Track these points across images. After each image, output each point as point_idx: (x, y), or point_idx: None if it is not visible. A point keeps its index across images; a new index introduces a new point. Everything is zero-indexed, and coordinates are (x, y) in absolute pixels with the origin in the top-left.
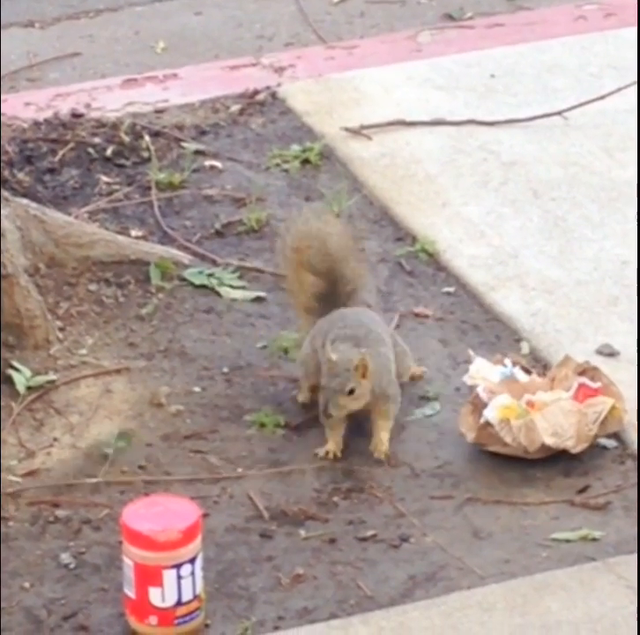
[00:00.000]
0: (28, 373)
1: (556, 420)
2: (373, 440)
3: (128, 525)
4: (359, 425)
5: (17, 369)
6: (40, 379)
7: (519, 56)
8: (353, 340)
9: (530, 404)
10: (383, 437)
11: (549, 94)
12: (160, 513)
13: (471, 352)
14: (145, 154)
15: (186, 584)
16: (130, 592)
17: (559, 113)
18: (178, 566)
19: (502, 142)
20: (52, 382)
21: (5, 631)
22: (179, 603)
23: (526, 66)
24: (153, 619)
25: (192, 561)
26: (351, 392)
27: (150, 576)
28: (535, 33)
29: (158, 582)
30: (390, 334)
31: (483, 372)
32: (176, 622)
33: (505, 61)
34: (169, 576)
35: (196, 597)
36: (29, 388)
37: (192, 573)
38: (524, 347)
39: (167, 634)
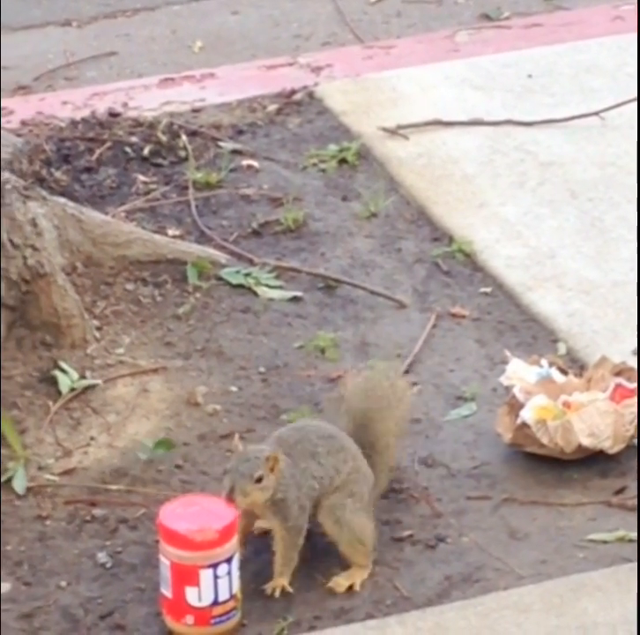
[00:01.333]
0: (75, 376)
1: (593, 421)
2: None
3: (165, 524)
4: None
5: (63, 371)
6: (85, 382)
7: (557, 56)
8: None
9: (566, 405)
10: (278, 569)
11: (586, 94)
12: (196, 513)
13: (507, 352)
14: (183, 154)
15: (223, 583)
16: (167, 591)
17: (596, 113)
18: (215, 566)
19: (540, 142)
20: (95, 386)
21: (42, 630)
22: (215, 603)
23: (564, 66)
24: (190, 619)
25: (229, 561)
26: (259, 479)
27: (186, 575)
28: (572, 33)
29: (194, 582)
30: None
31: (520, 373)
32: (213, 621)
33: (542, 61)
34: (206, 575)
35: (232, 597)
36: (71, 390)
37: (229, 573)
38: (561, 348)
39: (203, 634)
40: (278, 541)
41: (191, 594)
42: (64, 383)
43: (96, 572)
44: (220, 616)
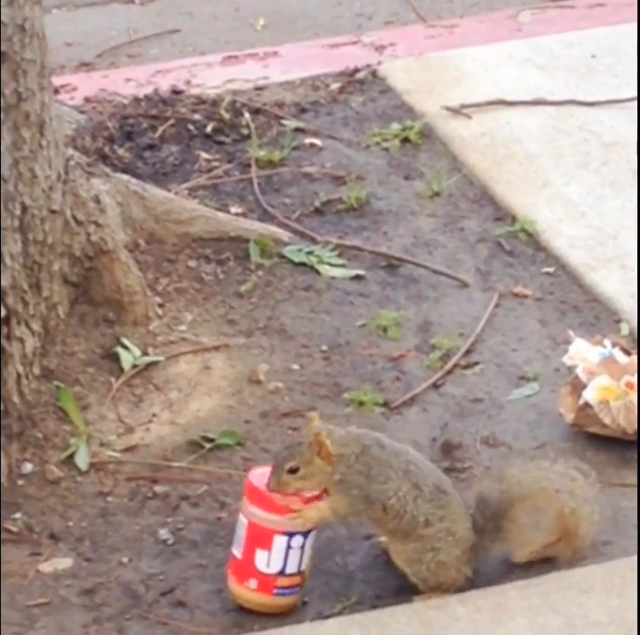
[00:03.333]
0: (137, 352)
1: None
2: None
3: (252, 482)
4: (457, 403)
5: (126, 347)
6: (147, 359)
7: (620, 36)
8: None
9: (629, 385)
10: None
11: None
12: None
13: (570, 333)
14: (245, 131)
15: (294, 555)
16: (238, 551)
17: None
18: (290, 535)
19: (603, 122)
20: (157, 363)
21: (103, 606)
22: (282, 573)
23: (627, 46)
24: (253, 583)
25: (305, 535)
26: (293, 470)
27: (261, 538)
28: (636, 12)
29: (267, 545)
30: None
31: (583, 353)
32: (275, 591)
33: (606, 41)
34: (279, 542)
35: (300, 572)
36: (134, 366)
37: (302, 547)
38: (624, 328)
39: (262, 602)
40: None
41: (261, 558)
42: (126, 359)
43: (158, 549)
44: (284, 588)
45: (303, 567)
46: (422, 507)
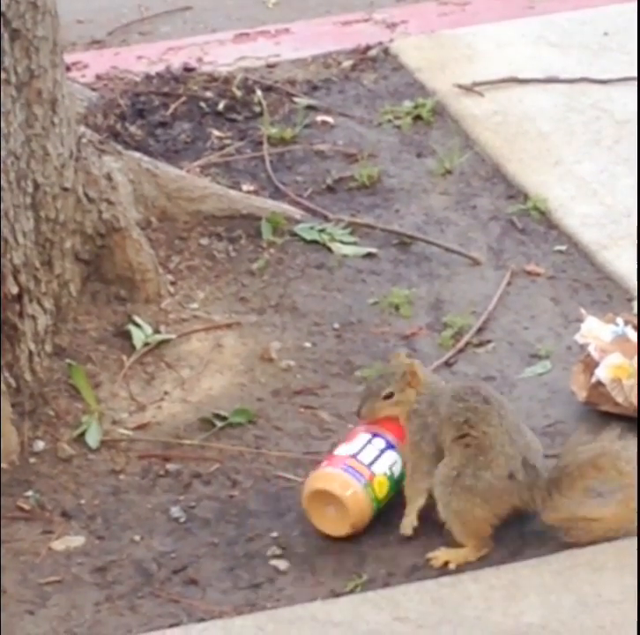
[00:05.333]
0: (149, 330)
1: None
2: None
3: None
4: (468, 379)
5: (137, 325)
6: (159, 337)
7: (633, 13)
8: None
9: None
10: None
11: None
12: None
13: (583, 311)
14: (257, 109)
15: (371, 450)
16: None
17: None
18: (375, 434)
19: (615, 100)
20: (169, 340)
21: (115, 584)
22: (354, 456)
23: None
24: (325, 463)
25: (390, 446)
26: (388, 396)
27: (346, 436)
28: None
29: (350, 438)
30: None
31: (595, 331)
32: (343, 466)
33: (619, 18)
34: (363, 437)
35: (370, 470)
36: (145, 344)
37: (382, 451)
38: (636, 307)
39: (332, 475)
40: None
41: (340, 448)
42: (138, 337)
43: (169, 527)
44: (353, 468)
45: (376, 470)
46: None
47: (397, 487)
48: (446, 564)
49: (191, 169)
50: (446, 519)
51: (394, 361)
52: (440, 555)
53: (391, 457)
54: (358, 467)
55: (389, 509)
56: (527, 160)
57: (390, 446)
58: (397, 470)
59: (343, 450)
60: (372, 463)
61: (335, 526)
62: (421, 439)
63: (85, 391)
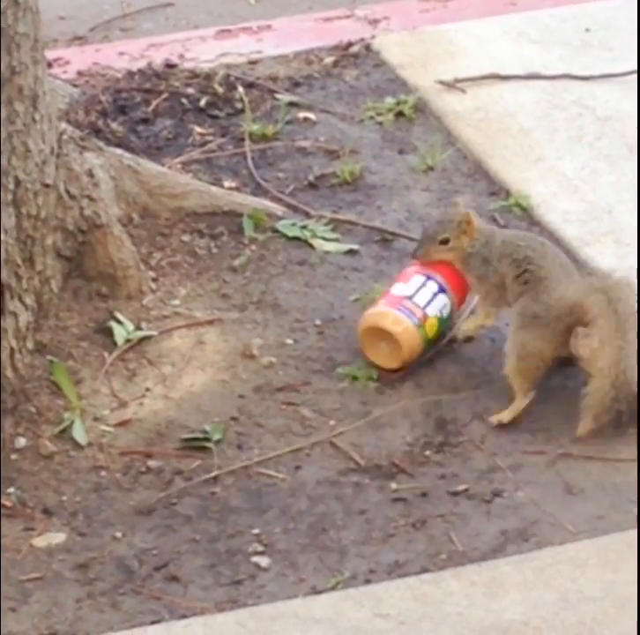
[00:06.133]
0: (130, 327)
1: None
2: None
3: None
4: (451, 378)
5: (119, 322)
6: (140, 334)
7: (615, 9)
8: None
9: None
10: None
11: None
12: None
13: None
14: (239, 105)
15: (425, 293)
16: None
17: None
18: (428, 277)
19: (597, 97)
20: (150, 337)
21: (97, 581)
22: (410, 298)
23: (622, 20)
24: (382, 302)
25: (442, 289)
26: (444, 241)
27: (402, 275)
28: None
29: (406, 279)
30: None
31: None
32: (400, 307)
33: (601, 15)
34: (417, 279)
35: (424, 311)
36: (127, 341)
37: (435, 294)
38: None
39: (387, 311)
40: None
41: (396, 288)
42: (120, 334)
43: (151, 524)
44: (408, 310)
45: (429, 312)
46: (537, 257)
47: (444, 327)
48: (500, 422)
49: (173, 166)
50: (509, 359)
51: (452, 209)
52: (493, 418)
53: (442, 300)
54: (412, 308)
55: (369, 507)
56: (509, 156)
57: (441, 290)
58: (446, 312)
59: (399, 289)
60: (426, 305)
61: (387, 359)
62: (485, 272)
63: (67, 387)
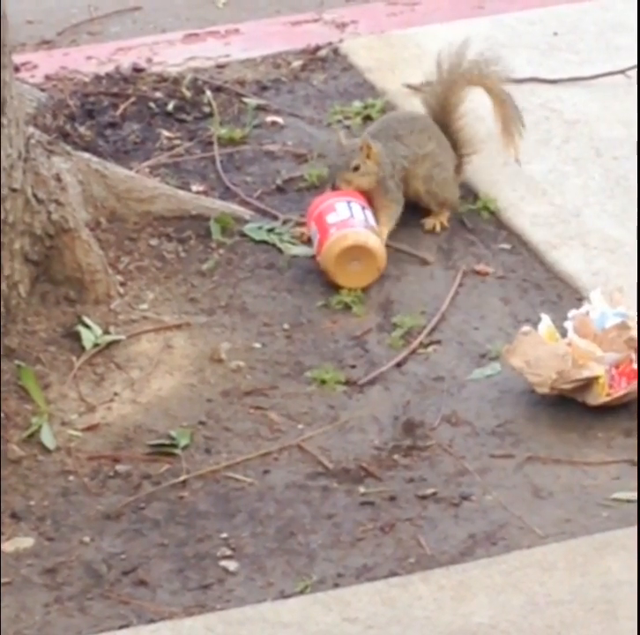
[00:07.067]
0: (98, 331)
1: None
2: None
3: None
4: (419, 382)
5: (87, 326)
6: (108, 338)
7: (582, 13)
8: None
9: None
10: (381, 232)
11: (612, 52)
12: None
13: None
14: (207, 109)
15: (357, 210)
16: (317, 242)
17: (622, 71)
18: (348, 201)
19: (565, 100)
20: (118, 341)
21: (65, 586)
22: (352, 217)
23: (589, 24)
24: (333, 230)
25: (364, 207)
26: (356, 168)
27: (327, 209)
28: None
29: (332, 209)
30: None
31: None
32: (352, 225)
33: (568, 18)
34: (341, 205)
35: (369, 224)
36: (95, 345)
37: (363, 210)
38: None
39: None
40: (381, 214)
41: (331, 217)
42: (88, 338)
43: (119, 528)
44: (360, 225)
45: (372, 223)
46: (413, 140)
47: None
48: (434, 227)
49: (141, 170)
50: (435, 204)
51: (345, 141)
52: (429, 220)
53: (369, 214)
54: (364, 224)
55: (338, 511)
56: (477, 159)
57: (363, 207)
58: (376, 224)
59: (335, 217)
60: (367, 220)
61: (362, 277)
62: (397, 192)
63: (35, 392)
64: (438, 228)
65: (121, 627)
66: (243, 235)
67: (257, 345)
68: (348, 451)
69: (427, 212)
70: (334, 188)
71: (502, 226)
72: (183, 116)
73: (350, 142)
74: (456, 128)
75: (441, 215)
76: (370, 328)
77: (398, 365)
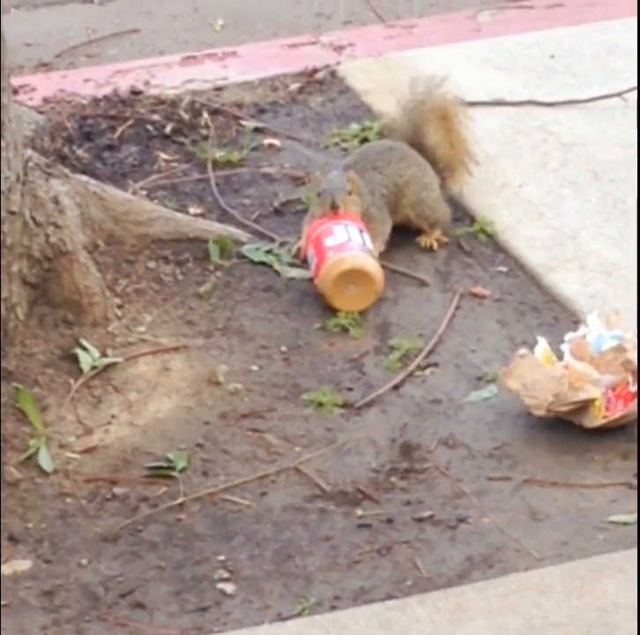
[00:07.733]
0: (96, 354)
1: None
2: None
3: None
4: (416, 404)
5: (85, 348)
6: (106, 360)
7: (579, 36)
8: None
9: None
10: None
11: (609, 75)
12: None
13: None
14: (204, 132)
15: (354, 232)
16: (314, 265)
17: (619, 94)
18: (345, 225)
19: (562, 123)
20: (116, 364)
21: (63, 608)
22: (350, 240)
23: (586, 47)
24: (330, 254)
25: (361, 230)
26: (349, 193)
27: (324, 233)
28: (595, 13)
29: (330, 233)
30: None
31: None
32: (350, 249)
33: (565, 41)
34: (338, 229)
35: (367, 248)
36: (93, 368)
37: (360, 234)
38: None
39: (345, 255)
40: (373, 233)
41: (329, 241)
42: (85, 361)
43: (117, 551)
44: (358, 249)
45: (371, 246)
46: (392, 170)
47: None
48: (431, 245)
49: (138, 192)
50: (427, 225)
51: (328, 176)
52: (424, 238)
53: (366, 237)
54: (362, 248)
55: (335, 534)
56: (474, 182)
57: (360, 230)
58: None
59: (333, 241)
60: (364, 243)
61: (360, 301)
62: (383, 217)
63: (32, 414)
64: (435, 246)
65: None
66: (241, 257)
67: (255, 367)
68: (345, 474)
69: (420, 231)
70: (333, 208)
71: (499, 248)
72: (181, 139)
73: (332, 174)
74: (431, 148)
75: (433, 233)
76: (367, 351)
77: (396, 388)
